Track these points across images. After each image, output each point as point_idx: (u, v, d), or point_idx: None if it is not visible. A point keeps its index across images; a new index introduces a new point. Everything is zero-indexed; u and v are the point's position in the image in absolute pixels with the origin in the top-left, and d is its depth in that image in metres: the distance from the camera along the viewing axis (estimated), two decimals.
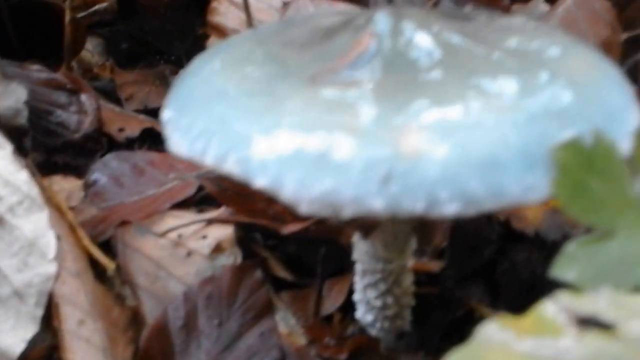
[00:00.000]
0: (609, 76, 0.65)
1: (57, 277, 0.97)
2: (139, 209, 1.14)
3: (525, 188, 0.54)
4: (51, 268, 0.97)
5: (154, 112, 1.46)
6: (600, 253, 0.56)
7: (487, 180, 0.53)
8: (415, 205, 0.52)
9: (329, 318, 1.08)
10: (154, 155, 1.27)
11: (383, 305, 0.97)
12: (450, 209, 0.52)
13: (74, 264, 1.01)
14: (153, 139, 1.39)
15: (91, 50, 1.52)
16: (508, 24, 0.71)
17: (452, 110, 0.56)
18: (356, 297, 1.00)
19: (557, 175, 0.55)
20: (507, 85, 0.58)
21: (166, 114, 0.65)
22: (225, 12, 1.35)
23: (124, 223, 1.10)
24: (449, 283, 1.11)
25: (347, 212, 0.53)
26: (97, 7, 1.26)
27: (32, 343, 0.91)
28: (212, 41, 1.40)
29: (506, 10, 1.40)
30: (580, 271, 0.56)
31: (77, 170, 1.25)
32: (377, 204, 0.52)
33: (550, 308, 0.53)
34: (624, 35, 1.31)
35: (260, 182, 0.55)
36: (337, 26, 0.69)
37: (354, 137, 0.54)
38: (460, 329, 1.04)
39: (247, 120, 0.58)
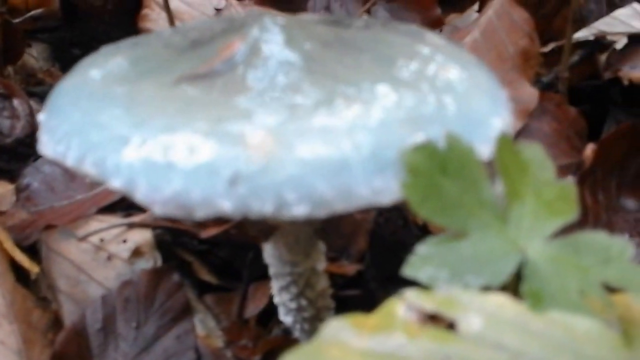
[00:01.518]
0: (478, 82, 0.66)
1: None
2: (67, 213, 1.14)
3: (375, 190, 0.54)
4: None
5: None
6: (452, 253, 0.57)
7: (335, 182, 0.53)
8: (263, 207, 0.53)
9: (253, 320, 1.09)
10: None
11: (298, 307, 0.97)
12: (299, 210, 0.53)
13: None
14: None
15: (36, 55, 1.53)
16: (387, 31, 0.72)
17: (305, 115, 0.56)
18: (275, 299, 1.01)
19: (407, 178, 0.56)
20: (364, 91, 0.59)
21: (41, 116, 0.66)
22: (156, 19, 1.35)
23: (49, 227, 1.11)
24: (371, 285, 1.12)
25: (199, 214, 0.53)
26: (33, 12, 1.26)
27: None
28: None
29: (439, 21, 1.42)
30: (432, 271, 0.56)
31: (10, 175, 1.25)
32: (225, 206, 0.53)
33: (396, 306, 0.54)
34: (551, 46, 1.33)
35: (115, 183, 0.55)
36: (220, 31, 0.70)
37: (204, 139, 0.54)
38: None
39: (105, 122, 0.58)
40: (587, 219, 1.07)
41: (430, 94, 0.61)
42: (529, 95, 1.12)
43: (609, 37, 1.31)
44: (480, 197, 0.59)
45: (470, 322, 0.52)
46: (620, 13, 1.30)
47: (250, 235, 1.10)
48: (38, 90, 1.45)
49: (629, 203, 1.14)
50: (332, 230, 1.02)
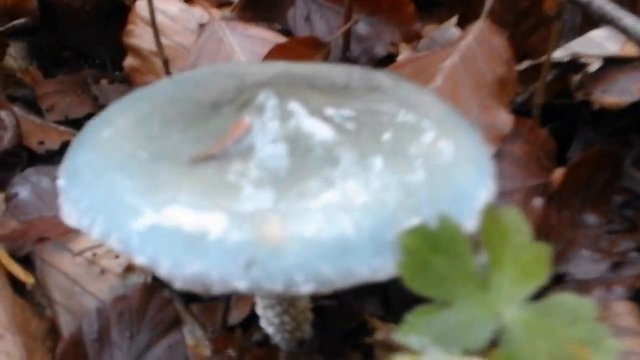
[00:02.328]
0: (466, 153, 0.72)
1: None
2: (57, 224, 1.17)
3: (373, 270, 0.61)
4: None
5: (75, 123, 1.48)
6: (437, 320, 0.63)
7: (338, 264, 0.59)
8: (274, 287, 0.58)
9: (236, 327, 1.15)
10: None
11: (281, 322, 1.04)
12: (305, 289, 0.59)
13: None
14: None
15: (14, 54, 1.52)
16: (382, 96, 0.76)
17: (313, 198, 0.61)
18: (258, 311, 1.07)
19: (402, 258, 0.62)
20: (367, 172, 0.64)
21: (60, 182, 0.69)
22: (141, 34, 1.36)
23: (42, 239, 1.14)
24: (347, 297, 1.19)
25: (216, 290, 0.59)
26: (16, 22, 1.27)
27: None
28: (129, 62, 1.42)
29: (417, 34, 1.44)
30: (420, 337, 0.63)
31: None
32: (241, 286, 0.58)
33: None
34: (526, 64, 1.36)
35: (139, 259, 0.60)
36: (223, 100, 0.74)
37: (221, 223, 0.59)
38: (356, 337, 1.13)
39: (128, 201, 0.63)
40: (551, 236, 1.14)
41: (423, 172, 0.66)
42: (504, 121, 1.17)
43: (583, 59, 1.31)
44: (466, 269, 0.65)
45: None
46: (596, 34, 1.30)
47: None
48: (19, 94, 1.46)
49: (591, 219, 1.21)
50: None
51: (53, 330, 1.08)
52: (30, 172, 1.25)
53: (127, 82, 1.48)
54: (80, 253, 1.09)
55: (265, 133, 0.68)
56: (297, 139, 0.68)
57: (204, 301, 1.17)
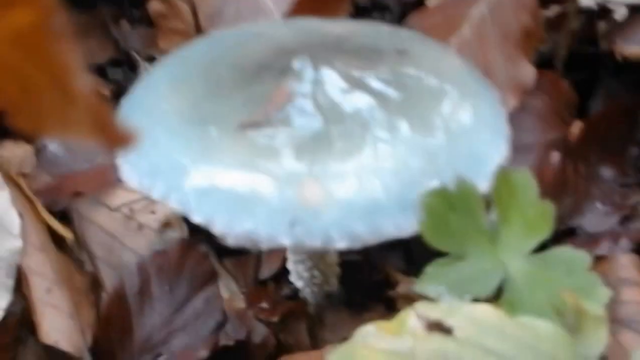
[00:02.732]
0: (485, 119, 0.89)
1: (23, 251, 1.22)
2: (90, 179, 1.36)
3: (399, 227, 0.80)
4: (17, 243, 1.21)
5: (99, 70, 1.63)
6: (452, 271, 0.83)
7: (369, 223, 0.78)
8: (314, 244, 0.78)
9: (266, 282, 1.36)
10: None
11: (310, 276, 1.24)
12: (340, 245, 0.78)
13: (37, 238, 1.25)
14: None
15: None
16: (409, 60, 0.94)
17: (347, 162, 0.80)
18: (288, 265, 1.27)
19: (423, 217, 0.81)
20: (395, 138, 0.82)
21: None
22: None
23: (77, 194, 1.34)
24: (372, 252, 1.39)
25: (264, 246, 0.78)
26: None
27: (7, 310, 1.17)
28: (154, 6, 1.58)
29: None
30: (436, 286, 0.83)
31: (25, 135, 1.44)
32: (285, 242, 0.78)
33: (409, 314, 0.80)
34: (553, 10, 1.49)
35: (196, 218, 0.79)
36: (262, 65, 0.92)
37: (268, 186, 0.78)
38: (379, 290, 1.33)
39: (185, 163, 0.81)
40: (567, 190, 1.31)
41: (444, 139, 0.84)
42: (527, 74, 1.30)
43: (610, 6, 1.43)
44: (478, 226, 0.84)
45: (463, 328, 0.79)
46: None
47: None
48: None
49: (607, 172, 1.37)
50: None
51: (95, 284, 1.28)
52: None
53: (151, 24, 1.62)
54: (117, 209, 1.29)
55: (304, 100, 0.86)
56: (332, 105, 0.85)
57: (236, 256, 1.38)
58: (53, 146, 1.44)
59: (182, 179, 0.80)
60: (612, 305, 0.98)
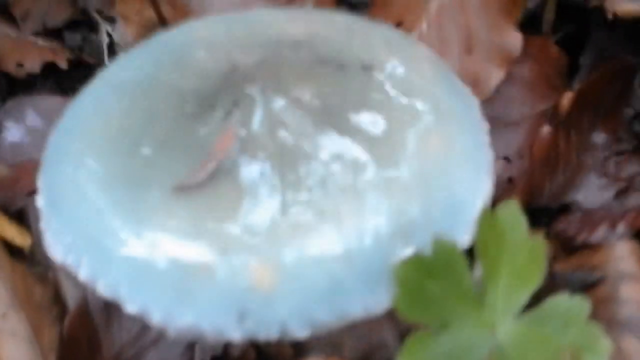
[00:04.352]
0: (464, 150, 0.75)
1: None
2: None
3: (367, 308, 0.67)
4: None
5: (55, 34, 1.47)
6: (433, 346, 0.70)
7: (332, 307, 0.66)
8: (269, 335, 0.65)
9: None
10: (57, 101, 1.32)
11: None
12: (300, 334, 0.66)
13: None
14: (57, 76, 1.43)
15: None
16: (377, 76, 0.78)
17: (304, 235, 0.67)
18: None
19: (397, 290, 0.68)
20: (360, 198, 0.69)
21: (40, 200, 0.75)
22: None
23: (35, 192, 1.20)
24: None
25: (210, 340, 0.66)
26: None
27: None
28: None
29: None
30: None
31: None
32: (235, 336, 0.65)
33: None
34: None
35: (130, 309, 0.67)
36: (208, 96, 0.77)
37: (211, 270, 0.65)
38: None
39: (113, 241, 0.68)
40: (559, 165, 1.19)
41: (416, 185, 0.71)
42: (514, 41, 1.17)
43: None
44: (462, 290, 0.71)
45: None
46: None
47: None
48: None
49: (600, 138, 1.25)
50: None
51: (57, 298, 1.17)
52: (12, 105, 1.27)
53: None
54: None
55: (253, 147, 0.72)
56: (288, 153, 0.72)
57: None
58: (9, 132, 1.29)
59: (111, 258, 0.67)
60: (610, 305, 0.91)
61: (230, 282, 0.65)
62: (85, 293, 1.13)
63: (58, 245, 0.72)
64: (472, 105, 0.81)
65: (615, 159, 1.22)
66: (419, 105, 0.77)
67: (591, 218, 1.12)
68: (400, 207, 0.69)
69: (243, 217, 0.68)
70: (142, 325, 1.13)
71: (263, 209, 0.68)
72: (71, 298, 1.15)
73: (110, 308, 1.13)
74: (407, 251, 0.68)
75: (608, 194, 1.17)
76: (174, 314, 0.66)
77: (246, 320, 0.65)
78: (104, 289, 0.68)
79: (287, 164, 0.71)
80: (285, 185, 0.69)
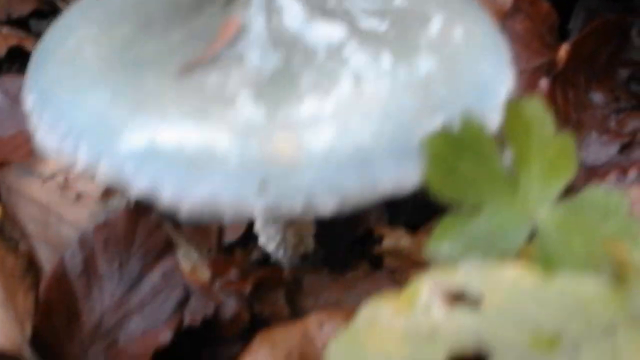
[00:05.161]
0: (484, 44, 0.71)
1: None
2: (18, 146, 1.15)
3: (399, 180, 0.61)
4: None
5: (20, 23, 1.44)
6: (468, 228, 0.65)
7: (361, 177, 0.60)
8: (294, 206, 0.59)
9: (232, 247, 1.17)
10: None
11: (283, 237, 1.06)
12: (327, 208, 0.59)
13: None
14: (23, 60, 1.38)
15: None
16: None
17: (326, 104, 0.61)
18: (257, 227, 1.08)
19: (428, 164, 0.63)
20: (380, 72, 0.64)
21: (29, 100, 0.68)
22: None
23: (4, 164, 1.13)
24: None
25: (228, 216, 0.59)
26: None
27: None
28: None
29: None
30: (452, 244, 0.65)
31: None
32: (256, 207, 0.59)
33: (423, 285, 0.62)
34: None
35: (136, 187, 0.60)
36: None
37: (229, 141, 0.59)
38: (362, 246, 1.16)
39: (115, 119, 0.61)
40: (559, 120, 1.16)
41: (440, 67, 0.66)
42: None
43: None
44: (492, 170, 0.66)
45: (492, 296, 0.61)
46: None
47: None
48: None
49: (597, 97, 1.24)
50: None
51: (32, 265, 1.08)
52: None
53: None
54: (50, 177, 1.09)
55: (257, 33, 0.67)
56: (292, 37, 0.67)
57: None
58: None
59: (114, 138, 0.60)
60: None
61: (251, 151, 0.59)
62: (63, 257, 1.04)
63: (51, 136, 0.64)
64: (483, 12, 0.77)
65: (615, 117, 1.20)
66: (432, 3, 0.73)
67: (598, 172, 1.09)
68: (424, 81, 0.64)
69: (255, 94, 0.62)
70: (124, 291, 1.05)
71: (275, 85, 0.63)
72: (47, 265, 1.07)
73: (90, 272, 1.05)
74: (436, 124, 0.63)
75: (612, 150, 1.15)
76: (188, 187, 0.59)
77: (268, 189, 0.58)
78: (106, 170, 0.61)
79: (296, 48, 0.66)
80: (295, 64, 0.64)
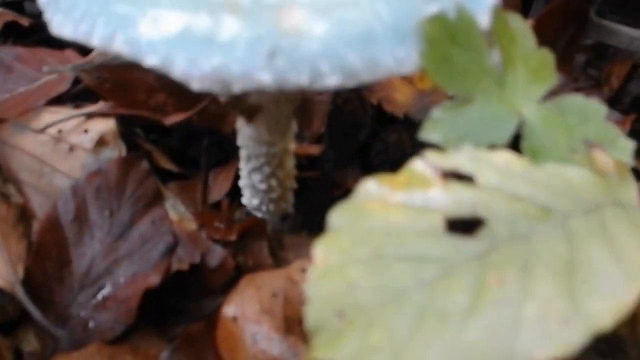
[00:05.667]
0: None
1: None
2: (12, 106, 1.12)
3: (398, 60, 0.60)
4: None
5: (14, 5, 1.43)
6: (461, 116, 0.64)
7: (364, 53, 0.58)
8: (300, 78, 0.57)
9: (216, 205, 1.14)
10: (21, 51, 1.24)
11: (268, 188, 1.03)
12: (331, 81, 0.58)
13: None
14: (17, 34, 1.36)
15: None
16: None
17: None
18: (242, 183, 1.06)
19: (424, 48, 0.62)
20: None
21: None
22: None
23: None
24: (327, 166, 1.19)
25: (237, 87, 0.57)
26: None
27: None
28: None
29: None
30: (445, 132, 0.63)
31: None
32: (265, 78, 0.57)
33: (419, 164, 0.61)
34: None
35: (150, 60, 0.57)
36: None
37: (237, 16, 0.57)
38: None
39: (129, 1, 0.59)
40: None
41: None
42: None
43: None
44: (483, 65, 0.66)
45: (487, 175, 0.60)
46: None
47: (213, 121, 1.13)
48: None
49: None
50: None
51: (24, 216, 1.04)
52: None
53: None
54: (43, 130, 1.05)
55: None
56: None
57: (181, 180, 1.15)
58: None
59: (129, 16, 0.59)
60: None
61: (260, 23, 0.58)
62: (56, 204, 1.00)
63: (67, 21, 0.62)
64: None
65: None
66: None
67: None
68: None
69: None
70: (114, 238, 1.01)
71: None
72: (40, 210, 1.02)
73: (82, 219, 1.01)
74: (431, 9, 0.62)
75: None
76: (198, 59, 0.57)
77: (276, 59, 0.57)
78: (121, 45, 0.58)
79: None
80: None
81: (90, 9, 0.60)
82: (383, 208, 0.58)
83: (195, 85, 0.57)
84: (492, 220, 0.58)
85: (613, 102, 1.24)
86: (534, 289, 0.52)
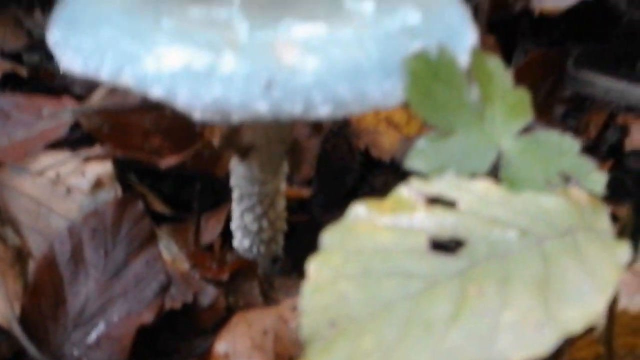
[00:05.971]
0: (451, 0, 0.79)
1: None
2: (11, 152, 1.17)
3: (385, 93, 0.66)
4: None
5: (13, 56, 1.49)
6: (443, 147, 0.69)
7: (353, 86, 0.65)
8: (294, 108, 0.63)
9: (209, 248, 1.18)
10: (19, 99, 1.29)
11: (259, 228, 1.08)
12: (323, 111, 0.64)
13: None
14: (15, 83, 1.42)
15: None
16: None
17: (320, 26, 0.67)
18: (233, 225, 1.10)
19: (408, 82, 0.68)
20: (366, 6, 0.70)
21: (54, 36, 0.71)
22: None
23: None
24: (316, 210, 1.24)
25: (236, 117, 0.63)
26: None
27: None
28: None
29: None
30: (428, 161, 0.69)
31: None
32: (262, 108, 0.63)
33: (404, 191, 0.66)
34: None
35: (155, 92, 0.63)
36: None
37: (236, 52, 0.64)
38: None
39: (137, 37, 0.66)
40: None
41: (416, 10, 0.73)
42: None
43: None
44: (463, 100, 0.72)
45: (468, 201, 0.65)
46: None
47: (204, 165, 1.18)
48: None
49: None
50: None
51: (20, 257, 1.08)
52: None
53: None
54: (41, 172, 1.10)
55: None
56: None
57: (174, 222, 1.19)
58: None
59: (136, 51, 0.64)
60: None
61: (257, 57, 0.64)
62: (52, 244, 1.04)
63: (77, 57, 0.68)
64: None
65: None
66: None
67: None
68: (406, 18, 0.71)
69: (260, 13, 0.67)
70: (109, 277, 1.05)
71: (278, 5, 0.68)
72: (37, 252, 1.06)
73: (77, 258, 1.05)
74: (414, 47, 0.69)
75: None
76: (200, 90, 0.62)
77: (272, 90, 0.63)
78: (129, 78, 0.64)
79: None
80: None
81: (99, 46, 0.66)
82: (371, 229, 0.63)
83: (197, 116, 0.63)
84: (472, 241, 0.63)
85: (591, 150, 1.31)
86: (511, 300, 0.57)
